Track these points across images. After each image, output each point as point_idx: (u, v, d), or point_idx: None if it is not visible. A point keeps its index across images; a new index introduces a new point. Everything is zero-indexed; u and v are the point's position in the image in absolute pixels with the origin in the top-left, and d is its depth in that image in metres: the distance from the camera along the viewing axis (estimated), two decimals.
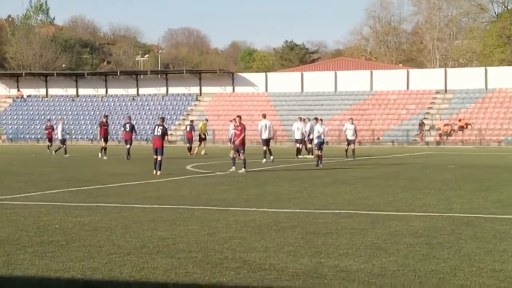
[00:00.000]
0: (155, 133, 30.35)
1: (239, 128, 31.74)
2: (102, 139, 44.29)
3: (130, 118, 44.91)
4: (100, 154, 44.06)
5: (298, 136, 44.62)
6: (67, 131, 54.29)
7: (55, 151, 46.89)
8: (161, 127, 30.14)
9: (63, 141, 48.72)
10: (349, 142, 42.64)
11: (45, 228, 14.27)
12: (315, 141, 36.43)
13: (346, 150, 42.70)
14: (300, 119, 46.67)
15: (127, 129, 42.20)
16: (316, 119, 43.66)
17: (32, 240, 12.86)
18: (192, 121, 57.12)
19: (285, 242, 12.54)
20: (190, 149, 50.09)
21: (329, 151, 46.05)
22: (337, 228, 14.16)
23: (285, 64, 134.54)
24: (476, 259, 11.15)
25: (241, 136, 31.35)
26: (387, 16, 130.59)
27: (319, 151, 35.33)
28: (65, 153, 46.81)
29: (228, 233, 13.59)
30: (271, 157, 38.25)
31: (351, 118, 46.66)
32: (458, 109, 74.05)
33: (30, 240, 12.81)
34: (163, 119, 31.57)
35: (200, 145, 50.59)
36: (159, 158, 29.58)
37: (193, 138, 51.91)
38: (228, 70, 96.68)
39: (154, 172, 29.28)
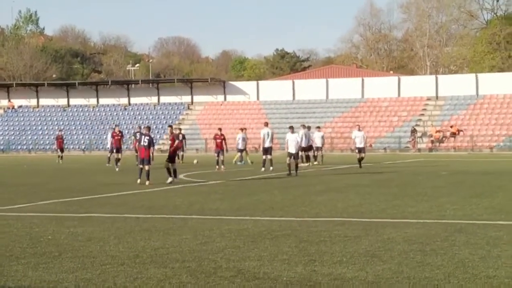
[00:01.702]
0: (142, 143, 30.07)
1: (171, 138, 31.71)
2: (114, 150, 43.39)
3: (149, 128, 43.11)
4: (109, 163, 44.07)
5: (303, 144, 44.50)
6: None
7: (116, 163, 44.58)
8: (147, 137, 29.93)
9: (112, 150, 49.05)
10: (359, 150, 40.50)
11: (38, 239, 14.22)
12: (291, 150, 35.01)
13: (359, 159, 40.34)
14: (304, 126, 46.68)
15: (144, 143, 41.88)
16: (304, 126, 44.05)
17: (25, 251, 12.82)
18: (180, 129, 57.14)
19: (279, 251, 12.53)
20: (179, 157, 49.95)
21: (327, 159, 46.06)
22: (330, 236, 14.15)
23: (276, 72, 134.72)
24: (469, 265, 11.16)
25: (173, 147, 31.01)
26: (377, 24, 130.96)
27: (294, 159, 34.59)
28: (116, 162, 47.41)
29: (221, 242, 13.57)
30: (271, 168, 37.84)
31: (358, 125, 45.39)
32: (449, 115, 74.23)
33: (23, 252, 12.77)
34: (149, 128, 31.40)
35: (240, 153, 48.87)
36: (146, 168, 29.41)
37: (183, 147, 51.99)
38: (220, 78, 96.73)
39: (138, 182, 29.04)
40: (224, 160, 40.30)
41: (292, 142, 34.73)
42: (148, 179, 29.13)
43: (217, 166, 39.66)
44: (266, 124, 41.76)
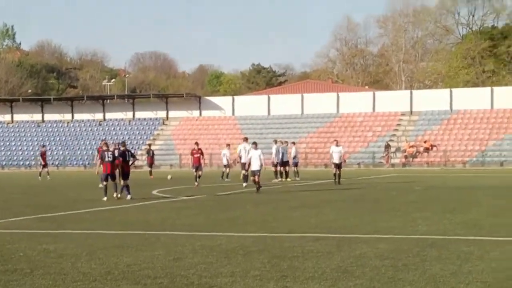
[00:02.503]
0: (106, 159, 29.89)
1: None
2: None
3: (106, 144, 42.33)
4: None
5: (277, 159, 44.54)
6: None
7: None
8: (110, 153, 30.02)
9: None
10: (336, 166, 39.55)
11: (9, 256, 14.13)
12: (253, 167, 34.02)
13: (335, 175, 39.32)
14: (276, 141, 46.73)
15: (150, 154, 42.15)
16: (280, 141, 44.11)
17: None
18: (150, 144, 57.50)
19: (252, 267, 12.53)
20: (150, 173, 50.47)
21: (302, 174, 46.12)
22: (303, 251, 14.17)
23: (252, 87, 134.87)
24: (441, 281, 11.20)
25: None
26: (353, 39, 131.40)
27: (254, 176, 33.59)
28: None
29: (194, 258, 13.54)
30: (244, 184, 37.23)
31: (336, 140, 44.76)
32: (423, 130, 74.59)
33: None
34: (106, 144, 31.26)
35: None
36: (124, 182, 29.65)
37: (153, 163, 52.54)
38: (195, 94, 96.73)
39: (105, 199, 29.01)
40: (201, 176, 39.36)
41: (255, 159, 33.99)
42: (116, 190, 29.57)
43: (195, 183, 38.63)
44: (246, 139, 41.73)
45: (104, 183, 29.92)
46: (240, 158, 40.30)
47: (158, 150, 76.17)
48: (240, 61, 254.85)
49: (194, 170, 39.75)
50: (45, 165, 53.45)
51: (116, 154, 30.15)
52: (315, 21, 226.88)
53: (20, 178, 56.38)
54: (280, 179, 43.71)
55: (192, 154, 41.05)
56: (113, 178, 29.76)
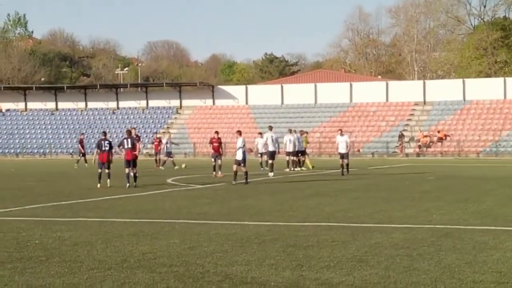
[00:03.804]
0: (103, 148, 30.92)
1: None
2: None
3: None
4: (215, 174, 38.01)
5: (290, 148, 43.99)
6: (173, 142, 53.49)
7: (163, 165, 48.05)
8: (107, 142, 31.09)
9: (169, 154, 49.69)
10: (341, 156, 38.82)
11: (25, 243, 14.20)
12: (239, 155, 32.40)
13: (342, 166, 38.39)
14: (290, 131, 46.18)
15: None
16: (294, 131, 43.71)
17: (12, 256, 12.80)
18: (156, 132, 57.27)
19: (267, 255, 12.55)
20: (157, 161, 49.84)
21: (316, 163, 46.11)
22: (318, 240, 14.19)
23: (265, 76, 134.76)
24: (456, 270, 11.21)
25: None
26: (365, 29, 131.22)
27: (240, 166, 32.13)
28: (174, 165, 47.83)
29: (209, 246, 13.58)
30: (271, 173, 37.51)
31: (341, 129, 43.18)
32: (437, 120, 74.36)
33: (9, 256, 12.74)
34: (130, 132, 32.13)
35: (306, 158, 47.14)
36: (106, 171, 30.44)
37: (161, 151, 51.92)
38: (208, 83, 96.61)
39: (98, 186, 29.89)
40: (221, 165, 37.66)
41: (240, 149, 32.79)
42: (109, 178, 30.27)
43: (213, 172, 37.14)
44: (270, 128, 41.02)
45: (100, 170, 30.59)
46: (267, 146, 39.80)
47: (172, 139, 76.19)
48: (253, 50, 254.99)
49: (213, 159, 38.02)
50: (84, 154, 53.11)
51: (129, 143, 30.56)
52: (327, 11, 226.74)
53: (34, 166, 56.54)
54: (292, 169, 43.42)
55: (211, 142, 39.02)
56: (108, 167, 30.50)
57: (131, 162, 30.28)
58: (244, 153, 32.11)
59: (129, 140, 30.80)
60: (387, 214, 18.95)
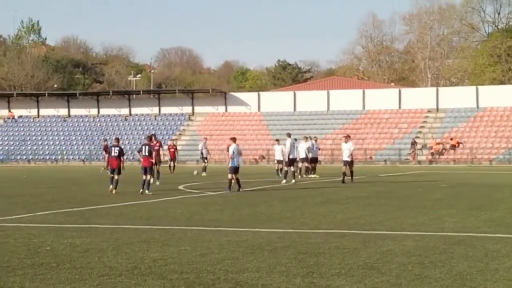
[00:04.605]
0: (112, 154, 31.61)
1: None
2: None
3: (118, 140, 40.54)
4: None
5: (302, 155, 43.98)
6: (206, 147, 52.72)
7: (203, 171, 48.10)
8: (117, 148, 31.44)
9: (205, 159, 50.03)
10: (345, 163, 37.99)
11: (36, 250, 14.20)
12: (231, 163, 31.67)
13: (344, 174, 37.23)
14: (306, 138, 46.10)
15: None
16: (309, 138, 43.55)
17: (23, 262, 12.80)
18: (172, 140, 57.10)
19: (278, 262, 12.51)
20: (170, 167, 49.60)
21: (322, 170, 46.11)
22: (329, 247, 14.14)
23: (278, 83, 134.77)
24: (467, 278, 11.14)
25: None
26: (379, 36, 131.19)
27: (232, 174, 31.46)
28: (204, 171, 48.05)
29: (220, 253, 13.55)
30: (293, 180, 37.33)
31: (346, 136, 41.11)
32: (450, 128, 74.24)
33: (20, 262, 12.75)
34: (118, 140, 32.72)
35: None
36: (116, 177, 30.73)
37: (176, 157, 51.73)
38: (221, 89, 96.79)
39: (110, 188, 30.64)
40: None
41: (302, 150, 33.17)
42: (115, 187, 30.52)
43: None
44: (289, 135, 40.54)
45: (111, 175, 31.32)
46: (289, 153, 39.31)
47: (184, 146, 76.38)
48: (266, 57, 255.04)
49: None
50: (173, 159, 51.32)
51: (146, 150, 30.91)
52: (340, 18, 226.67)
53: (46, 172, 56.68)
54: (308, 176, 43.39)
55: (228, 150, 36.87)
56: (118, 173, 30.91)
57: (147, 169, 30.53)
58: (236, 161, 31.59)
59: (147, 147, 31.18)
60: (399, 222, 18.88)
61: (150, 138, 33.15)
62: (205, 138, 56.75)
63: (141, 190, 29.94)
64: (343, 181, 36.76)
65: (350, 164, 37.83)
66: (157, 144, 38.85)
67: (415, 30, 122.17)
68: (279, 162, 44.10)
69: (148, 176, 30.50)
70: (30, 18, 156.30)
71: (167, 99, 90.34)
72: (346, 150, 38.10)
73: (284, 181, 37.33)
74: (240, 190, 30.88)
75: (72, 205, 24.67)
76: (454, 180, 40.48)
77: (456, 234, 16.28)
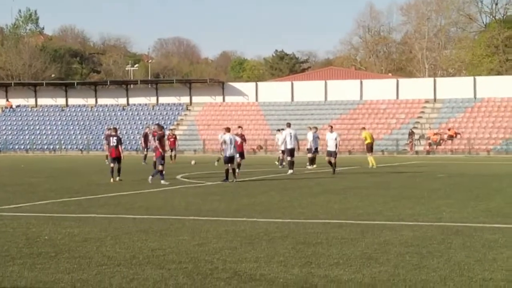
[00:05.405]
0: (111, 144, 32.16)
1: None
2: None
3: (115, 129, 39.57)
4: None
5: (308, 146, 44.22)
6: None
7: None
8: (115, 137, 32.08)
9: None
10: (328, 154, 37.15)
11: (34, 239, 14.22)
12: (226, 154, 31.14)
13: (330, 163, 36.77)
14: (310, 128, 46.21)
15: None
16: (314, 127, 43.53)
17: (21, 251, 12.81)
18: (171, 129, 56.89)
19: (276, 252, 12.54)
20: (171, 157, 49.01)
21: (318, 160, 46.06)
22: (327, 238, 14.16)
23: (275, 73, 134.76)
24: (465, 268, 11.17)
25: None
26: (376, 26, 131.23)
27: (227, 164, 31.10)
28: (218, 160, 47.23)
29: (218, 243, 13.57)
30: (290, 171, 36.72)
31: (331, 126, 41.17)
32: (447, 118, 74.28)
33: (19, 252, 12.76)
34: (115, 129, 33.40)
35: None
36: (117, 165, 31.62)
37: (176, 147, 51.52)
38: (218, 79, 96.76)
39: (111, 180, 31.10)
40: (241, 164, 35.47)
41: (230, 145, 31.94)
42: (119, 175, 31.47)
43: (237, 170, 32.99)
44: (289, 125, 40.16)
45: (111, 165, 31.85)
46: (286, 143, 38.91)
47: (182, 136, 76.35)
48: (263, 47, 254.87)
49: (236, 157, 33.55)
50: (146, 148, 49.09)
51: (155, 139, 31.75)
52: (338, 8, 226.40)
53: (44, 162, 56.66)
54: (313, 166, 43.31)
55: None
56: (119, 161, 31.66)
57: (158, 158, 30.95)
58: (229, 151, 31.02)
59: (154, 137, 32.11)
60: (397, 212, 18.91)
61: (115, 129, 33.55)
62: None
63: (116, 178, 31.10)
64: (333, 172, 36.37)
65: (334, 155, 37.04)
66: (161, 133, 37.97)
67: (412, 20, 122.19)
68: (283, 152, 43.71)
69: (117, 164, 31.51)
70: (28, 7, 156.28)
71: (165, 89, 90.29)
72: (331, 140, 37.23)
73: (290, 171, 36.90)
74: (234, 180, 30.78)
75: (70, 194, 24.68)
76: (452, 170, 40.52)
77: (453, 224, 16.31)
